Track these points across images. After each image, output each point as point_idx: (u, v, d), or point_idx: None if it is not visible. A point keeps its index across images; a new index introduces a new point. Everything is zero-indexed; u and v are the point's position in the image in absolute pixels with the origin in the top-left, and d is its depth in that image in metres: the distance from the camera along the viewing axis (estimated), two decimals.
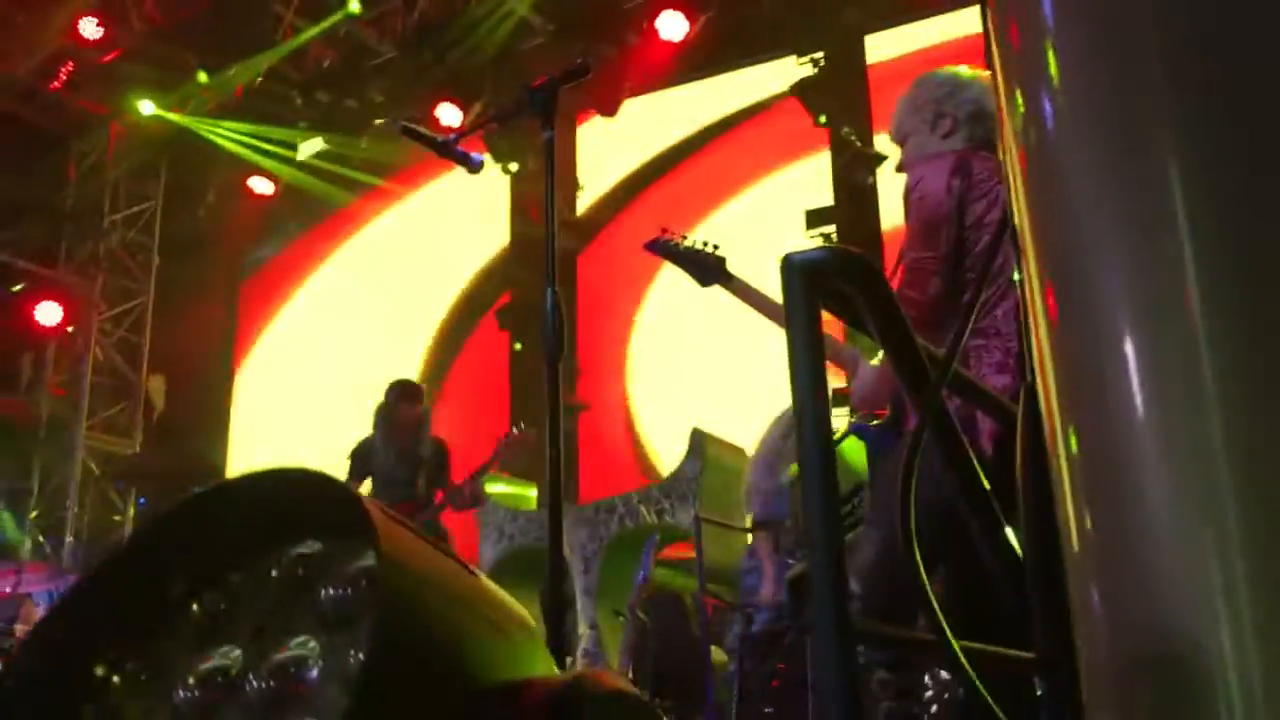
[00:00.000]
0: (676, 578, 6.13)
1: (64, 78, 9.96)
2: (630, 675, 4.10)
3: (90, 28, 9.52)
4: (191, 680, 1.20)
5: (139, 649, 1.24)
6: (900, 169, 2.90)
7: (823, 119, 7.98)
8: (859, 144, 7.95)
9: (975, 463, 1.49)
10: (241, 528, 1.24)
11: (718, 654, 5.70)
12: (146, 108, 9.82)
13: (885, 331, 1.59)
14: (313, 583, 1.20)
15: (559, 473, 2.07)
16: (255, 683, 1.16)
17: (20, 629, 6.85)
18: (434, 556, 1.16)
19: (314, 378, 10.51)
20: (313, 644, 1.16)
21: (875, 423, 2.99)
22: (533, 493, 8.19)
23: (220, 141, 10.00)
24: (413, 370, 9.94)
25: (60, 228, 10.48)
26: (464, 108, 8.76)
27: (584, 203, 9.55)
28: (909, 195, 2.67)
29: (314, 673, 1.14)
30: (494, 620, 1.20)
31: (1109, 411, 0.67)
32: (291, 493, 1.23)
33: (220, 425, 10.75)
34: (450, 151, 2.78)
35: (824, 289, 1.46)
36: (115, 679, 1.24)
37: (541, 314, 2.17)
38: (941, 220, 2.56)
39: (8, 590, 6.84)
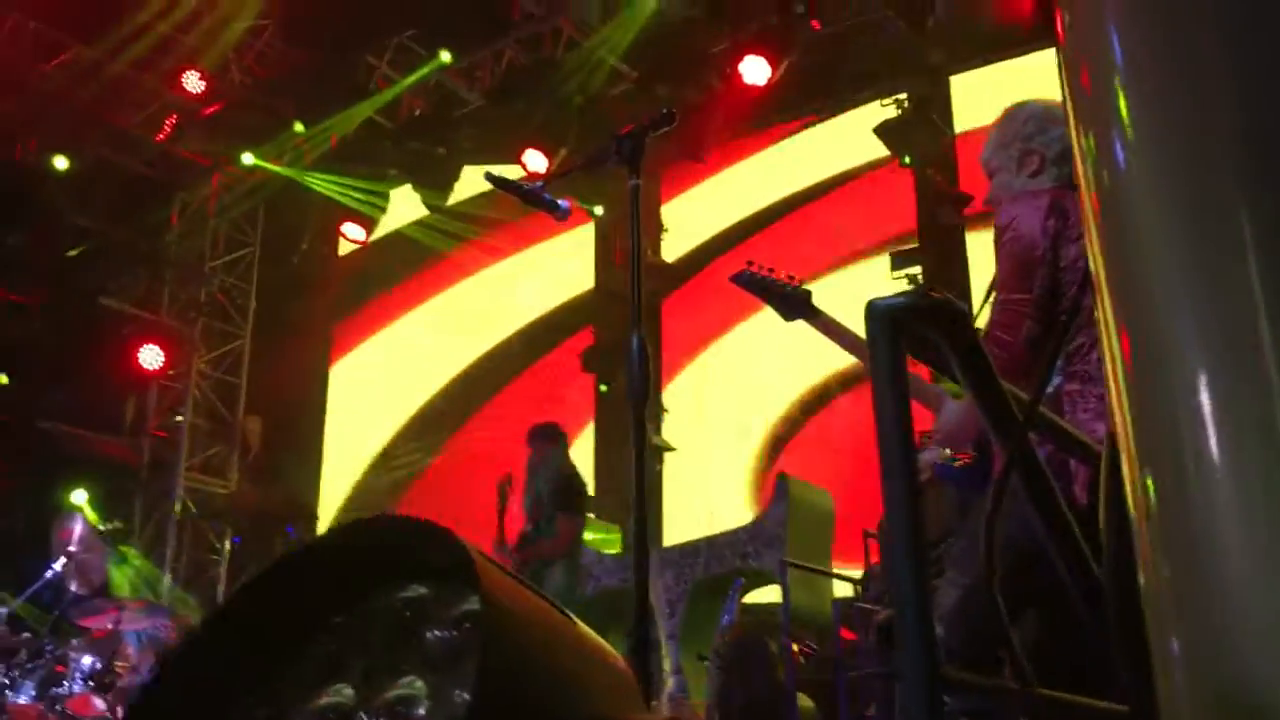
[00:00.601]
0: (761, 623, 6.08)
1: (168, 130, 10.36)
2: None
3: (193, 81, 9.90)
4: (308, 716, 1.25)
5: (260, 688, 1.29)
6: (989, 204, 2.86)
7: (906, 160, 7.96)
8: (944, 184, 7.90)
9: (1063, 507, 1.47)
10: (350, 572, 1.29)
11: (803, 700, 5.64)
12: (247, 158, 10.16)
13: (970, 375, 1.58)
14: (418, 625, 1.24)
15: (644, 515, 2.09)
16: (367, 719, 1.20)
17: (120, 665, 7.04)
18: (533, 600, 1.19)
19: (401, 417, 10.70)
20: (419, 683, 1.20)
21: (959, 464, 2.95)
22: (618, 535, 8.21)
23: (316, 189, 10.30)
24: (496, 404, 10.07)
25: (163, 274, 10.85)
26: (550, 154, 8.91)
27: (673, 249, 9.62)
28: (1001, 234, 2.61)
29: (421, 710, 1.18)
30: (590, 662, 1.23)
31: (1184, 459, 0.67)
32: (398, 538, 1.27)
33: (313, 465, 10.97)
34: (537, 199, 2.84)
35: (908, 334, 1.47)
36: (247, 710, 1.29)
37: (627, 358, 2.20)
38: (1036, 262, 2.50)
39: (109, 627, 7.02)
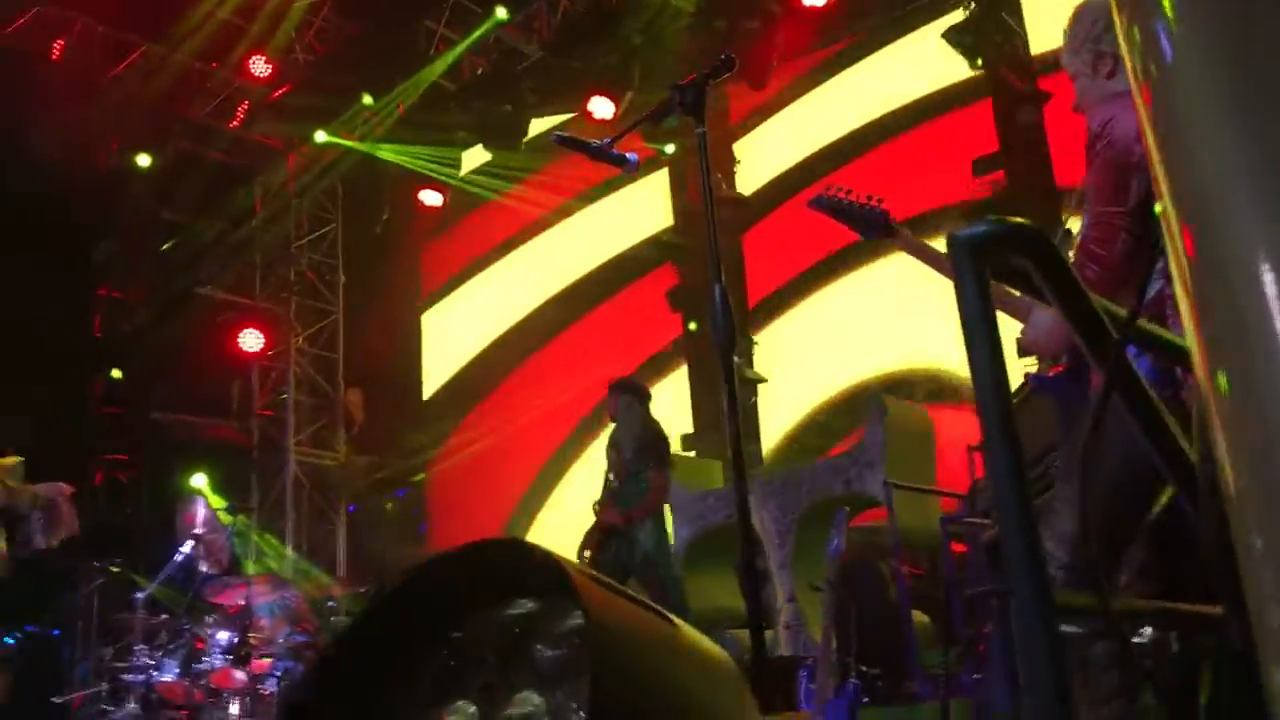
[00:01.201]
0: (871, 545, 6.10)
1: (241, 117, 10.55)
2: (835, 647, 4.13)
3: (259, 66, 10.05)
4: None
5: (377, 707, 1.35)
6: (1078, 110, 2.74)
7: (979, 62, 7.75)
8: (1019, 83, 7.69)
9: (1167, 420, 1.46)
10: (460, 591, 1.33)
11: (919, 617, 5.65)
12: (319, 137, 10.31)
13: (1059, 298, 1.57)
14: (528, 641, 1.27)
15: (741, 451, 2.12)
16: None
17: (254, 637, 7.35)
18: (635, 612, 1.22)
19: (492, 368, 10.87)
20: (537, 699, 1.24)
21: (1054, 373, 2.90)
22: (719, 469, 8.26)
23: (389, 159, 10.42)
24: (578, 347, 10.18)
25: (253, 258, 11.12)
26: (615, 98, 8.87)
27: (749, 181, 9.56)
28: (1094, 142, 2.47)
29: None
30: (696, 666, 1.26)
31: (1252, 351, 0.66)
32: (501, 558, 1.31)
33: (414, 428, 11.22)
34: (605, 155, 2.85)
35: (993, 263, 1.46)
36: None
37: (711, 308, 2.21)
38: (1131, 168, 2.38)
39: (241, 602, 7.32)
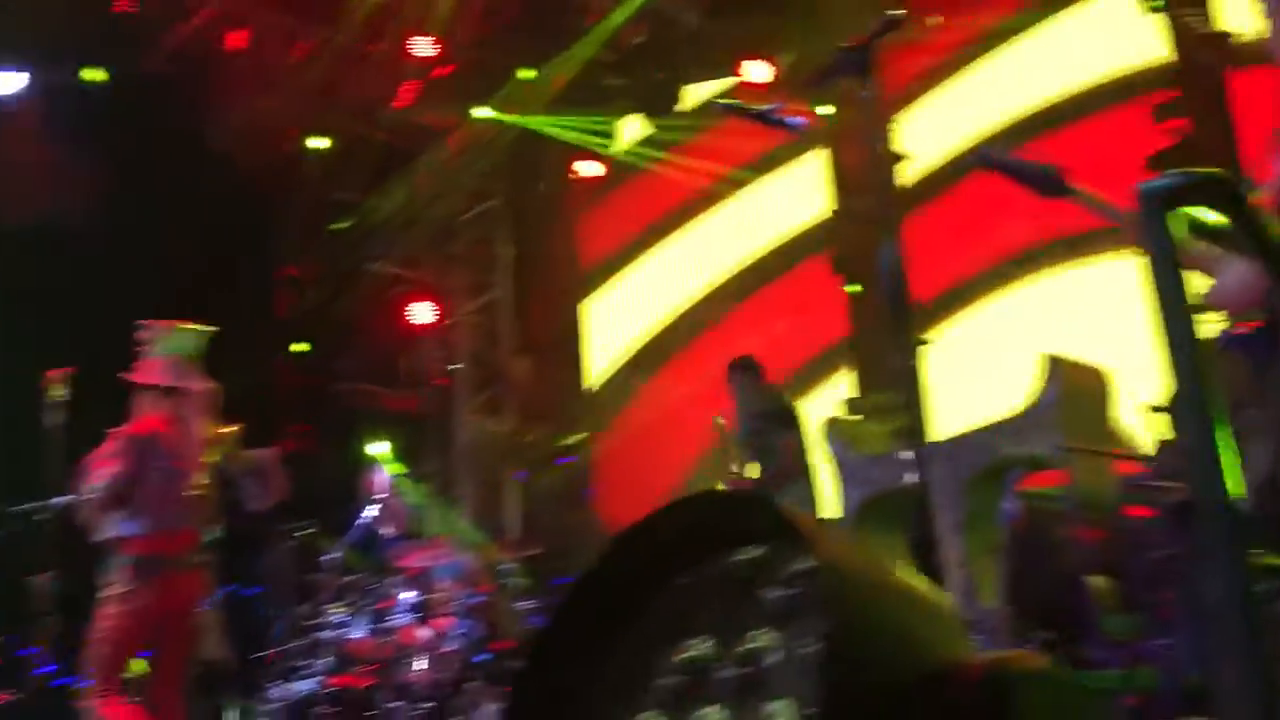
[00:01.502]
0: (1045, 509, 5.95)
1: (405, 97, 10.88)
2: (1010, 612, 4.07)
3: (421, 46, 10.33)
4: (670, 668, 1.40)
5: (618, 645, 1.45)
6: (1274, 59, 2.62)
7: (1156, 4, 7.39)
8: (1199, 23, 7.31)
9: None
10: (687, 539, 1.42)
11: (1098, 582, 5.50)
12: (479, 112, 10.56)
13: (1253, 245, 1.53)
14: (757, 584, 1.36)
15: (920, 425, 2.12)
16: (726, 669, 1.34)
17: (435, 597, 7.67)
18: (860, 555, 1.28)
19: (650, 330, 10.98)
20: (768, 636, 1.32)
21: (1245, 330, 2.79)
22: (884, 435, 8.15)
23: (549, 133, 10.60)
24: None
25: (421, 234, 11.49)
26: (774, 62, 8.80)
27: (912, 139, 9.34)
28: None
29: (775, 659, 1.30)
30: (919, 607, 1.31)
31: None
32: (730, 508, 1.39)
33: (580, 396, 11.45)
34: (771, 119, 2.86)
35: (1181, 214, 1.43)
36: (606, 670, 1.46)
37: (881, 270, 2.21)
38: None
39: (421, 565, 7.65)
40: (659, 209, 11.20)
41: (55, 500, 4.92)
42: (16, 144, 9.57)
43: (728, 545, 1.39)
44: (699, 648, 1.38)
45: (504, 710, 1.46)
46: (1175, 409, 1.23)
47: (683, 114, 9.72)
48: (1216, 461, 1.32)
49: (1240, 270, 2.74)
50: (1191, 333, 1.37)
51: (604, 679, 1.45)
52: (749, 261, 10.43)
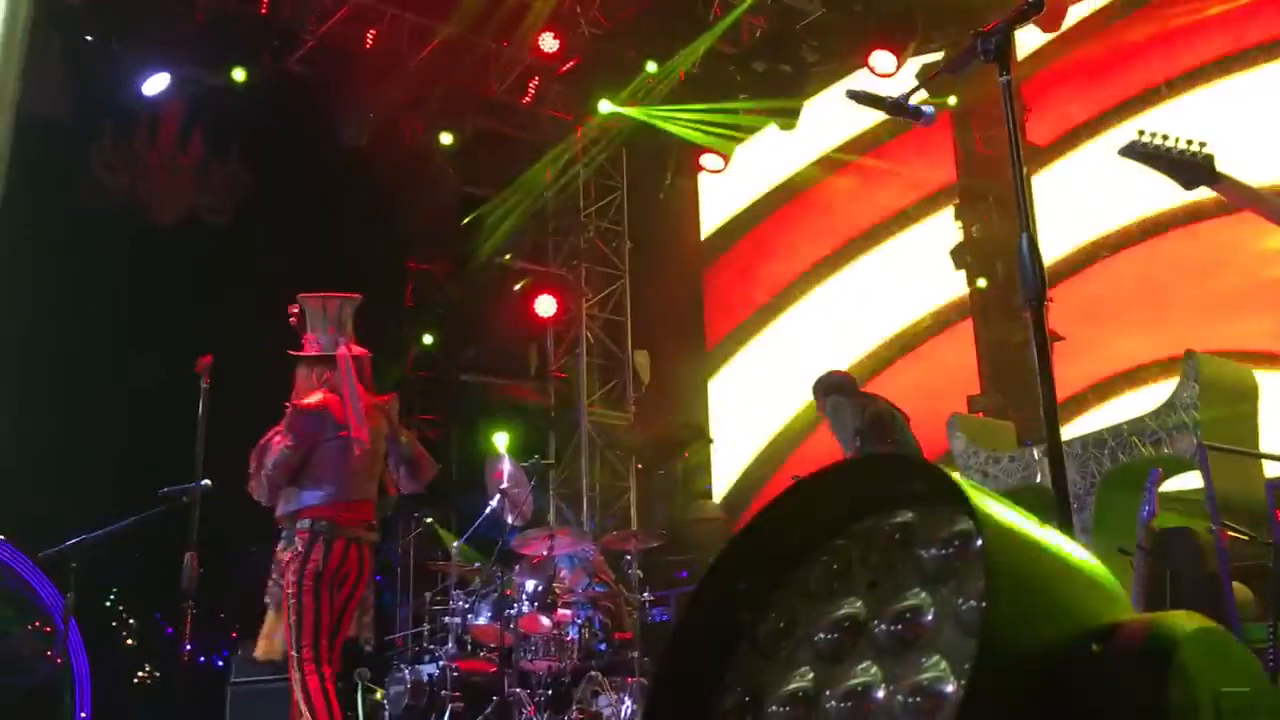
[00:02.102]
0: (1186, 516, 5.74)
1: (532, 92, 11.04)
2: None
3: (548, 41, 10.46)
4: (825, 625, 1.42)
5: (773, 601, 1.49)
6: None
7: None
8: None
9: None
10: (843, 502, 1.44)
11: (1240, 590, 5.28)
12: (604, 107, 10.65)
13: None
14: (910, 545, 1.37)
15: (1054, 413, 2.07)
16: (881, 626, 1.36)
17: (558, 586, 7.77)
18: (1020, 519, 1.28)
19: (779, 335, 10.93)
20: (923, 595, 1.33)
21: None
22: (1010, 432, 7.98)
23: (672, 128, 10.63)
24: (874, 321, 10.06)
25: (546, 227, 11.65)
26: (897, 51, 8.66)
27: (1039, 130, 9.10)
28: None
29: (929, 618, 1.32)
30: (1075, 567, 1.30)
31: None
32: (885, 471, 1.40)
33: (700, 388, 11.48)
34: (900, 108, 2.81)
35: None
36: (761, 625, 1.49)
37: (1019, 259, 2.16)
38: None
39: (544, 553, 7.75)
40: (779, 203, 11.15)
41: (201, 483, 5.09)
42: (161, 143, 10.02)
43: (886, 508, 1.41)
44: (854, 605, 1.40)
45: (660, 659, 1.50)
46: None
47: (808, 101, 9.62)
48: None
49: None
50: None
51: (759, 634, 1.49)
52: (862, 249, 10.32)
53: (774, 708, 1.44)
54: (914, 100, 2.88)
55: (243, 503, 5.11)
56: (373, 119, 10.39)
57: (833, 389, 6.23)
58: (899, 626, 1.35)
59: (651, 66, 10.23)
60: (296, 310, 4.96)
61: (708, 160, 10.67)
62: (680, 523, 10.46)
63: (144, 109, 9.73)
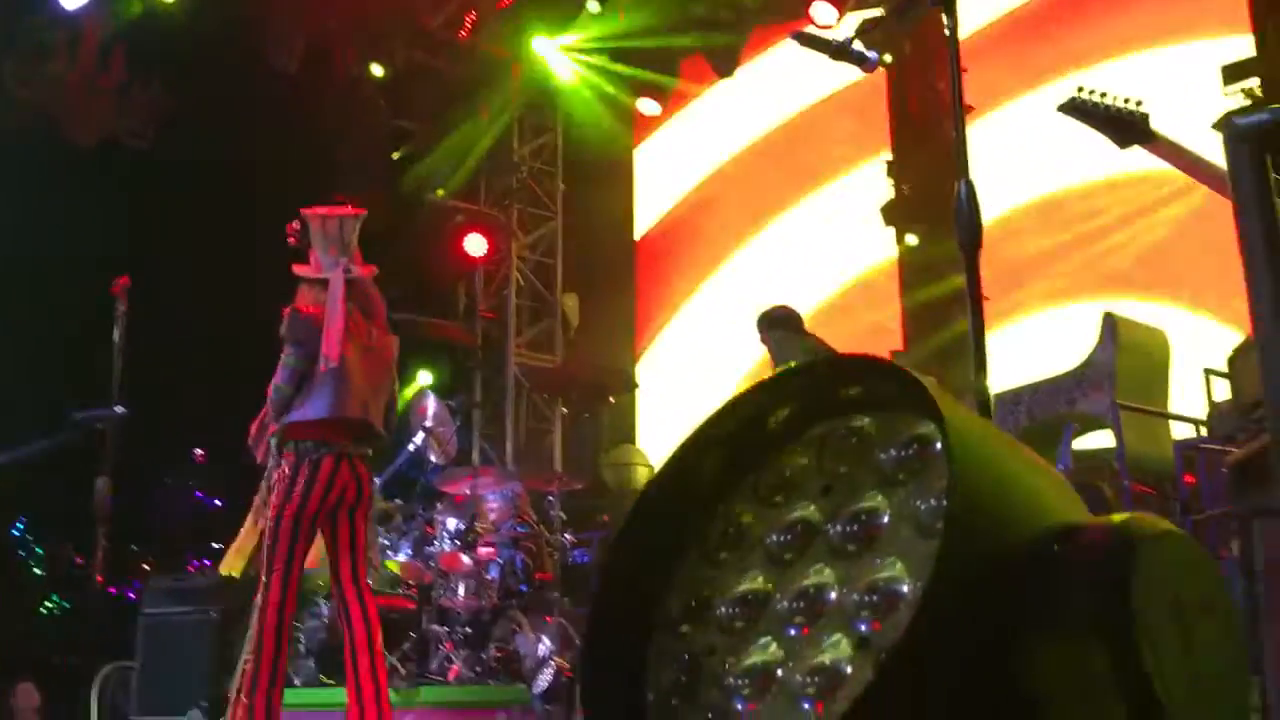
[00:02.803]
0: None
1: (469, 27, 10.83)
2: None
3: None
4: (777, 528, 1.42)
5: (722, 508, 1.49)
6: None
7: None
8: None
9: None
10: (796, 408, 1.44)
11: None
12: (540, 45, 10.50)
13: None
14: (867, 450, 1.38)
15: (984, 368, 2.09)
16: (835, 529, 1.36)
17: (480, 525, 7.76)
18: (980, 421, 1.30)
19: (707, 286, 10.97)
20: (880, 497, 1.34)
21: None
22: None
23: (610, 68, 10.52)
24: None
25: (478, 166, 11.47)
26: (838, 4, 8.66)
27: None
28: None
29: (885, 519, 1.33)
30: (1037, 471, 1.33)
31: None
32: (846, 374, 1.40)
33: (628, 333, 11.48)
34: (846, 54, 2.81)
35: (1275, 151, 1.39)
36: (711, 531, 1.49)
37: (956, 205, 2.18)
38: None
39: (467, 491, 7.73)
40: (713, 149, 11.15)
41: (116, 409, 4.95)
42: (81, 63, 9.66)
43: (840, 413, 1.42)
44: (807, 509, 1.41)
45: (605, 557, 1.51)
46: (1264, 354, 1.21)
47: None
48: None
49: None
50: None
51: (709, 541, 1.49)
52: (793, 198, 10.37)
53: (723, 609, 1.44)
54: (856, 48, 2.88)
55: (158, 432, 4.99)
56: (303, 46, 10.11)
57: (778, 324, 6.17)
58: (854, 528, 1.36)
59: (593, 6, 10.10)
60: (295, 228, 4.81)
61: (644, 104, 10.59)
62: (604, 466, 10.49)
63: (63, 25, 9.36)
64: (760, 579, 1.43)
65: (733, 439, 1.48)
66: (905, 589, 1.27)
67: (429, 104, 11.02)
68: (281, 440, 4.40)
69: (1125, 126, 2.93)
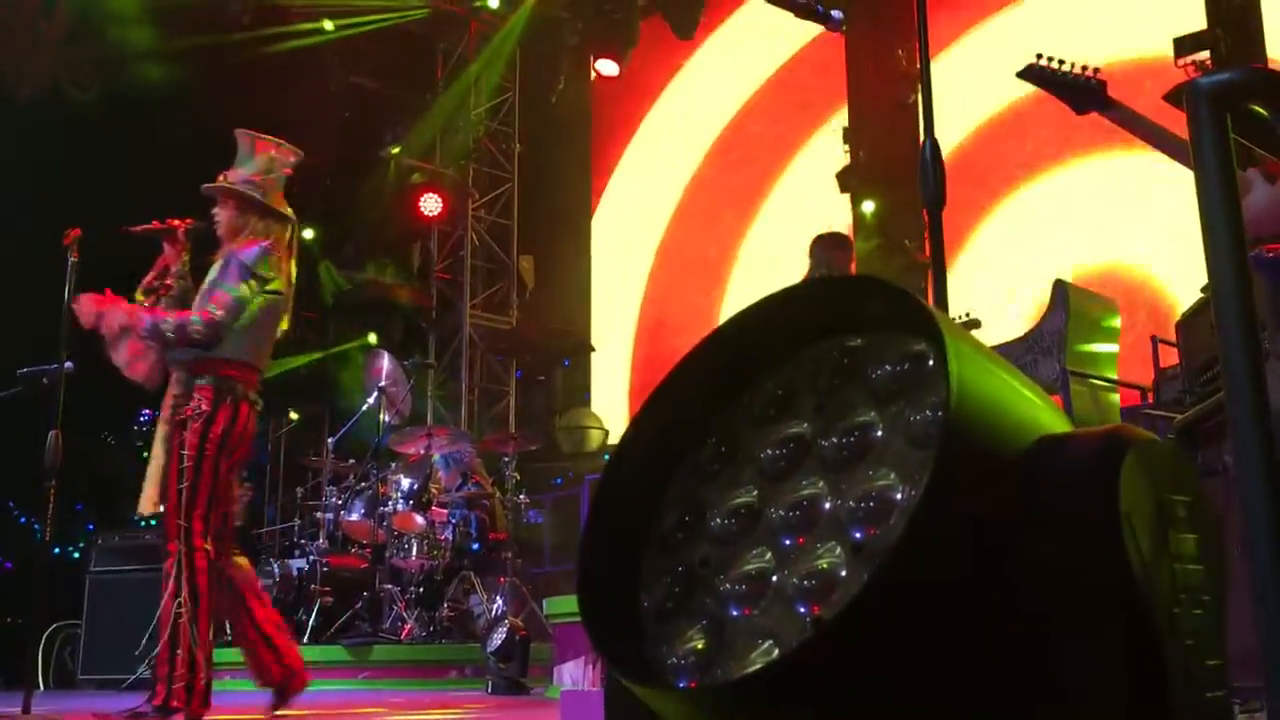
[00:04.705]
0: None
1: None
2: None
3: None
4: (769, 444, 1.44)
5: (715, 426, 1.50)
6: None
7: None
8: None
9: None
10: (788, 327, 1.46)
11: None
12: (497, 3, 10.37)
13: None
14: (859, 368, 1.39)
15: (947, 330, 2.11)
16: (828, 442, 1.38)
17: (434, 485, 7.76)
18: (975, 340, 1.33)
19: (655, 239, 10.98)
20: (872, 413, 1.36)
21: (1270, 254, 2.80)
22: None
23: (566, 28, 10.42)
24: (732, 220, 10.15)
25: (434, 124, 11.35)
26: None
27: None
28: None
29: (878, 433, 1.35)
30: (1028, 386, 1.36)
31: None
32: (842, 293, 1.42)
33: (583, 298, 11.46)
34: (811, 12, 2.82)
35: (1236, 112, 1.41)
36: (703, 449, 1.50)
37: (920, 164, 2.20)
38: None
39: (421, 451, 7.72)
40: (671, 110, 11.11)
41: (64, 364, 4.85)
42: (22, 10, 9.41)
43: (833, 334, 1.44)
44: (800, 426, 1.43)
45: (599, 484, 1.52)
46: (1219, 315, 1.23)
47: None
48: (1256, 379, 1.33)
49: (1270, 191, 2.73)
50: (1239, 247, 1.37)
51: (701, 458, 1.51)
52: (753, 161, 10.37)
53: (716, 520, 1.46)
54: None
55: (104, 389, 4.86)
56: (256, 0, 9.92)
57: (834, 245, 6.09)
58: (847, 441, 1.38)
59: None
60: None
61: (602, 65, 10.51)
62: (558, 429, 10.51)
63: None
64: (754, 492, 1.45)
65: (727, 359, 1.50)
66: (899, 496, 1.30)
67: (385, 62, 10.86)
68: (196, 372, 4.13)
69: (1082, 92, 3.00)
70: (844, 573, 1.31)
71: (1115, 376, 6.45)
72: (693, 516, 1.48)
